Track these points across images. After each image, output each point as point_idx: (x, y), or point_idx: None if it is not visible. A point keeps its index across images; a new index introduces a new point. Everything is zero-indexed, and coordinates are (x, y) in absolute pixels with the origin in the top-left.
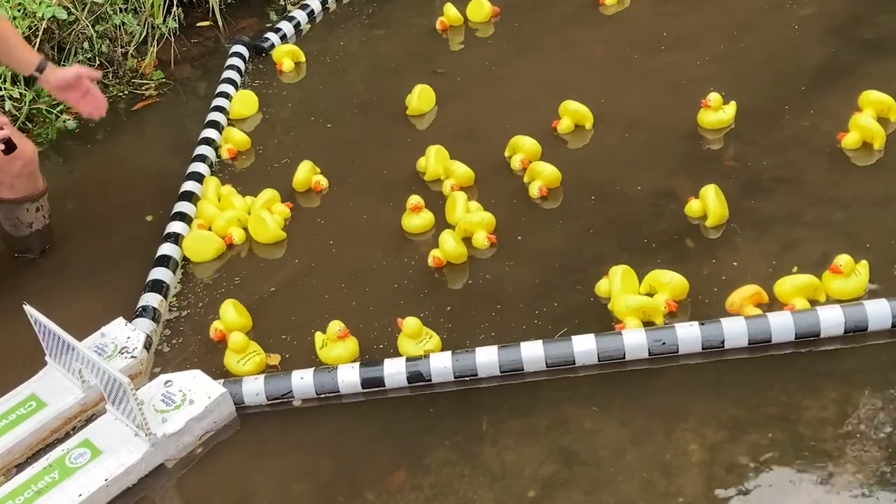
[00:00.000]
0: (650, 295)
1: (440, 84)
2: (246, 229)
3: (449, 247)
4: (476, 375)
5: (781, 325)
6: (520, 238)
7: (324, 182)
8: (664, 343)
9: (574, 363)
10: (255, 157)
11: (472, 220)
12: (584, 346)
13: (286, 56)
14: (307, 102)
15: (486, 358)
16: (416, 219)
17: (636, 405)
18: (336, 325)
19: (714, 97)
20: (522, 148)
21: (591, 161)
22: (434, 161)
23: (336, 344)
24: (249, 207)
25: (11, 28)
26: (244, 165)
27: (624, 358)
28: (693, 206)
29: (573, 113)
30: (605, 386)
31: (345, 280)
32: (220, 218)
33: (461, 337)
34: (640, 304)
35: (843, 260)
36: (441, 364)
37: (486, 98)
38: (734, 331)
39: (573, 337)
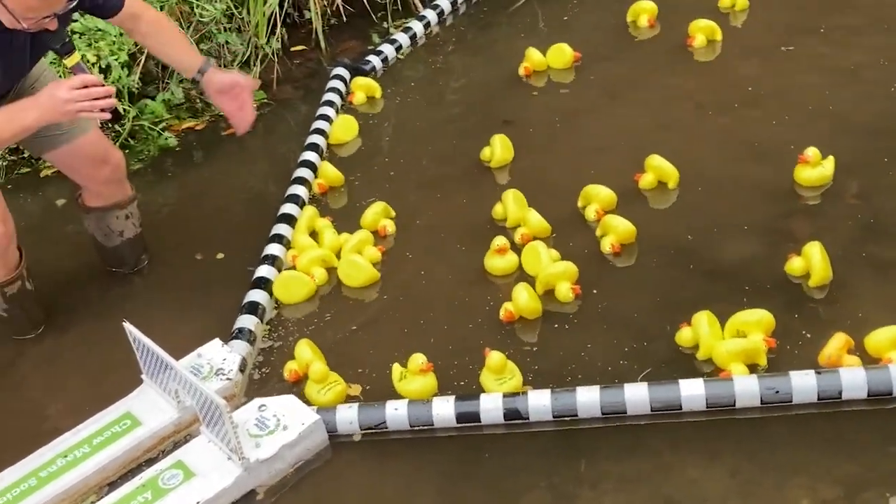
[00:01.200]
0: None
1: (518, 131)
2: (331, 269)
3: (522, 301)
4: (576, 416)
5: None
6: (595, 291)
7: (391, 227)
8: (777, 391)
9: (680, 408)
10: (348, 189)
11: (555, 272)
12: (692, 391)
13: (360, 90)
14: (392, 136)
15: (587, 398)
16: (501, 261)
17: (745, 455)
18: (419, 358)
19: (812, 151)
20: (597, 197)
21: (674, 217)
22: (514, 206)
23: (415, 377)
24: (342, 245)
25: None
26: (336, 199)
27: (734, 405)
28: (794, 265)
29: (657, 169)
30: (712, 433)
31: (424, 317)
32: (304, 257)
33: (545, 380)
34: (741, 348)
35: None
36: (539, 402)
37: (564, 147)
38: (853, 382)
39: (680, 381)
